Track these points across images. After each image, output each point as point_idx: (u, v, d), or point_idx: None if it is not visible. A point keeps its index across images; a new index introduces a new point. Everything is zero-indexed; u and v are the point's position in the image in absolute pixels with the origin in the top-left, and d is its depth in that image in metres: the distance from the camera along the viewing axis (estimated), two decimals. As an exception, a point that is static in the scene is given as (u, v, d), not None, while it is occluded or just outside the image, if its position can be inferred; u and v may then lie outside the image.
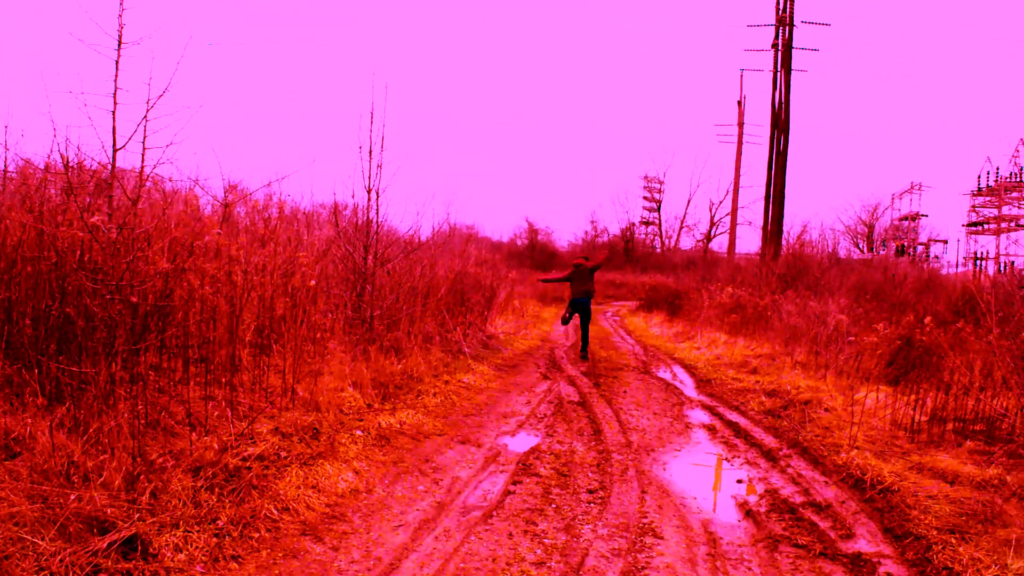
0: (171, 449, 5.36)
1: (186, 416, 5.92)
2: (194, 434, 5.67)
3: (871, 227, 58.81)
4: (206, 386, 6.55)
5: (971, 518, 5.59)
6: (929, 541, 5.22)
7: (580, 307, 14.44)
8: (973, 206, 42.11)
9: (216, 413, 6.21)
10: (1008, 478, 6.44)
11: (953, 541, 5.18)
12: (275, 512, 5.04)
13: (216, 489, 5.03)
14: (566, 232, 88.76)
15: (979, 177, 40.91)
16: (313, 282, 8.40)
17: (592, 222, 65.64)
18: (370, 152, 10.26)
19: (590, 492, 6.19)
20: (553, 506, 5.81)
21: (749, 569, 4.89)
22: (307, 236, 10.55)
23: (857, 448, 7.52)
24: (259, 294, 7.91)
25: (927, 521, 5.56)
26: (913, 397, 8.74)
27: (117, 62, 6.17)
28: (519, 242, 56.52)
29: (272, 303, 8.03)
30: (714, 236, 59.68)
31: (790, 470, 7.21)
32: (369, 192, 10.38)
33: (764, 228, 29.37)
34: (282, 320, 8.23)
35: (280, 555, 4.57)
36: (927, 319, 10.06)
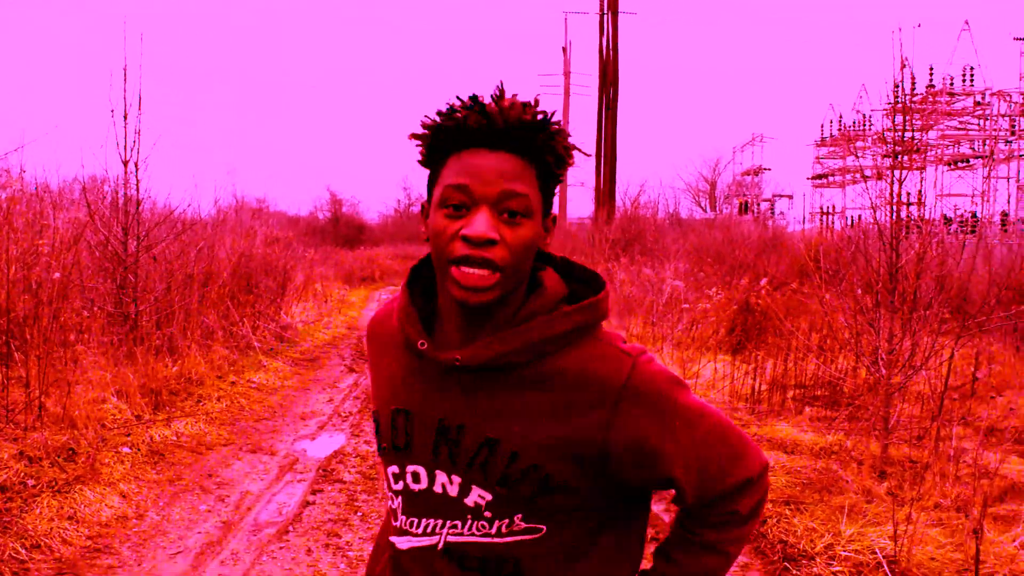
0: None
1: (-98, 445, 5.60)
2: (-87, 466, 5.38)
3: (713, 184, 61.91)
4: (-73, 407, 6.21)
5: (807, 487, 6.12)
6: (763, 516, 5.69)
7: None
8: (817, 157, 44.84)
9: (-58, 439, 5.91)
10: (848, 443, 7.07)
11: (788, 513, 5.67)
12: (23, 552, 4.88)
13: (-55, 530, 4.82)
14: (376, 202, 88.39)
15: (822, 126, 43.59)
16: (57, 274, 8.06)
17: (405, 190, 65.47)
18: (125, 116, 9.89)
19: (402, 495, 6.31)
20: (359, 514, 5.91)
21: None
22: (54, 219, 10.08)
23: (693, 424, 8.03)
24: (-9, 292, 7.53)
25: (762, 495, 6.03)
26: (752, 366, 9.39)
27: None
28: (321, 215, 55.82)
29: (10, 302, 7.66)
30: (542, 200, 60.75)
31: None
32: (126, 164, 10.02)
33: (596, 189, 30.39)
34: (24, 322, 7.87)
35: (30, 600, 4.45)
36: (763, 282, 10.79)
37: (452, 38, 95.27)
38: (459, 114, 1.48)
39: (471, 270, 1.41)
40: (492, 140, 1.47)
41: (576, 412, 1.48)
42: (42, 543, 5.02)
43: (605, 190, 29.36)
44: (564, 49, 39.77)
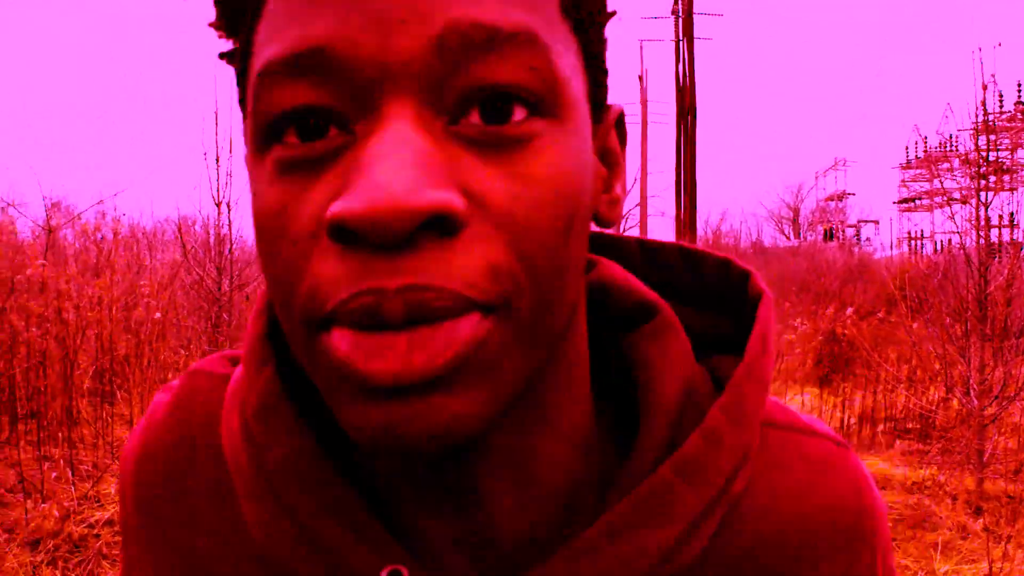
0: (2, 521, 5.33)
1: (18, 482, 5.87)
2: (29, 501, 5.64)
3: (796, 210, 60.97)
4: (40, 445, 6.48)
5: (899, 524, 6.03)
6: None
7: None
8: (903, 180, 43.93)
9: (54, 475, 6.16)
10: (941, 478, 6.95)
11: (880, 549, 5.60)
12: (131, 583, 5.07)
13: (60, 562, 5.03)
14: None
15: (907, 148, 42.70)
16: (158, 314, 8.37)
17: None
18: (217, 159, 10.23)
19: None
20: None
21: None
22: (150, 260, 10.46)
23: (781, 458, 7.95)
24: (96, 332, 7.84)
25: (854, 530, 5.97)
26: (840, 398, 9.27)
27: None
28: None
29: (112, 342, 7.97)
30: (624, 231, 60.42)
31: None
32: (219, 205, 10.34)
33: (677, 219, 30.22)
34: (126, 361, 8.16)
35: (140, 631, 4.61)
36: (849, 311, 10.67)
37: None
38: None
39: (379, 337, 0.37)
40: None
41: None
42: (149, 576, 5.20)
43: (686, 219, 29.20)
44: (640, 77, 39.70)
